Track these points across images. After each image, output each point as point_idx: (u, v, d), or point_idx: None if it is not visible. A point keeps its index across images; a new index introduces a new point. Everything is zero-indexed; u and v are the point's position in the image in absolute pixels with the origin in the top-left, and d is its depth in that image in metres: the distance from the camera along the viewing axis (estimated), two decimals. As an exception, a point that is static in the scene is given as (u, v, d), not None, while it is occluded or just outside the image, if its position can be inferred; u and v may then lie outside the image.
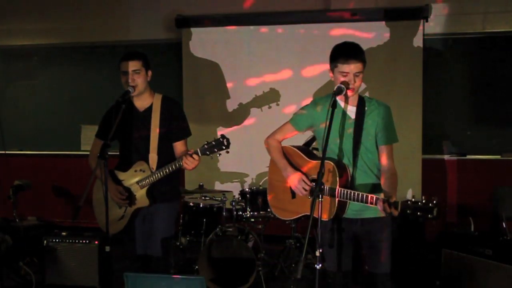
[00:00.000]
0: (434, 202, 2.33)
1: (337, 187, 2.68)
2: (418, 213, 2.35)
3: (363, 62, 2.73)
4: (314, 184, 2.82)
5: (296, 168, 2.91)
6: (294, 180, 2.86)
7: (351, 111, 2.81)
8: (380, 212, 2.64)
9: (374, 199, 2.56)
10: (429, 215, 2.31)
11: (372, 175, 2.82)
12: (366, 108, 2.80)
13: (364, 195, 2.60)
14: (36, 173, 6.11)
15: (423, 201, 2.36)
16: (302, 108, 2.98)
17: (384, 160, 2.80)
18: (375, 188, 2.79)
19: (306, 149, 3.09)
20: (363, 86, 5.19)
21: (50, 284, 4.18)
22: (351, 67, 2.69)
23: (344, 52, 2.74)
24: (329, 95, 2.82)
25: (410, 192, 5.26)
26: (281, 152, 3.00)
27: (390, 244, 2.83)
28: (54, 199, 6.27)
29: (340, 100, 2.81)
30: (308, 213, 2.73)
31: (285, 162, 2.94)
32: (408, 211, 2.39)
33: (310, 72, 5.51)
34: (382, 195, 2.59)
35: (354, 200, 2.65)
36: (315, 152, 3.19)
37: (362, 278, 3.07)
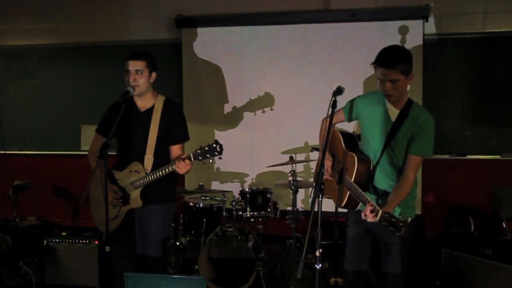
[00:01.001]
0: (406, 222, 2.34)
1: (350, 178, 2.73)
2: (390, 228, 2.37)
3: (399, 70, 2.66)
4: (334, 172, 2.96)
5: (332, 153, 3.02)
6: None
7: (393, 113, 2.81)
8: (395, 210, 2.67)
9: (367, 200, 2.58)
10: (396, 233, 2.33)
11: (391, 181, 2.81)
12: (408, 114, 2.78)
13: (360, 192, 2.65)
14: (36, 173, 6.11)
15: (398, 218, 2.37)
16: (356, 97, 3.00)
17: (405, 169, 2.75)
18: (384, 194, 2.80)
19: (351, 136, 3.10)
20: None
21: (50, 284, 4.18)
22: (383, 74, 2.69)
23: (379, 57, 2.74)
24: (378, 92, 2.86)
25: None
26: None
27: (405, 245, 2.83)
28: (54, 199, 6.27)
29: (387, 100, 2.83)
30: (329, 197, 2.95)
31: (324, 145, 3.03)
32: (383, 223, 2.42)
33: (310, 72, 5.50)
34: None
35: (354, 195, 2.69)
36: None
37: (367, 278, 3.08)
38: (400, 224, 2.33)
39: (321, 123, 3.18)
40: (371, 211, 2.49)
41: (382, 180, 2.81)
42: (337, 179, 2.90)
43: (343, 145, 2.97)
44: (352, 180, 2.74)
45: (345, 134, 3.08)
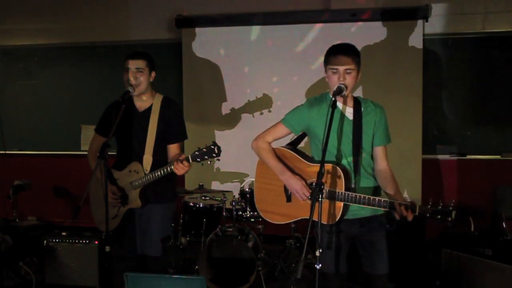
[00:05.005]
0: (452, 205, 2.35)
1: (342, 190, 2.66)
2: (438, 216, 2.36)
3: (354, 60, 2.68)
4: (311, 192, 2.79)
5: (295, 172, 2.83)
6: (295, 185, 2.77)
7: (349, 112, 2.79)
8: (375, 210, 2.66)
9: (388, 203, 2.53)
10: (449, 218, 2.34)
11: (370, 178, 2.80)
12: (362, 109, 2.77)
13: (377, 199, 2.57)
14: (36, 173, 6.11)
15: (442, 205, 2.37)
16: (296, 108, 2.90)
17: (381, 162, 2.77)
18: (375, 190, 2.79)
19: (303, 152, 3.01)
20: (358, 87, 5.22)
21: (50, 284, 4.18)
22: (340, 63, 2.67)
23: (334, 48, 2.73)
24: (323, 95, 2.84)
25: (405, 193, 5.27)
26: (274, 154, 2.89)
27: (387, 244, 2.81)
28: (54, 199, 6.27)
29: (338, 101, 2.78)
30: (307, 216, 2.69)
31: (282, 166, 2.83)
32: (427, 215, 2.39)
33: (310, 72, 5.50)
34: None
35: (362, 204, 2.60)
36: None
37: (359, 279, 3.06)
38: (450, 208, 2.34)
39: (255, 144, 2.93)
40: (406, 209, 2.46)
41: (365, 181, 2.78)
42: (328, 195, 2.67)
43: (305, 161, 2.84)
44: (343, 190, 2.64)
45: (295, 150, 2.94)
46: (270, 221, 3.04)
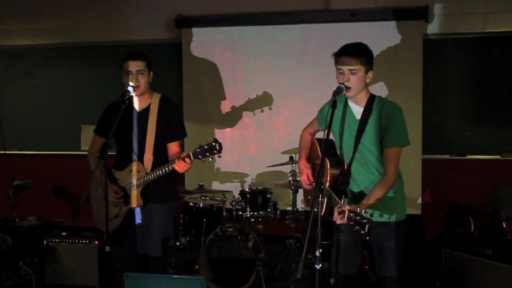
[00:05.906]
0: (369, 219, 2.29)
1: (327, 182, 2.71)
2: (356, 227, 2.32)
3: (359, 60, 2.67)
4: (312, 180, 2.95)
5: (312, 161, 3.03)
6: (301, 171, 3.03)
7: (358, 111, 2.79)
8: (384, 217, 2.69)
9: (337, 202, 2.56)
10: (362, 231, 2.28)
11: (372, 176, 2.77)
12: (372, 109, 2.76)
13: (332, 196, 2.61)
14: (36, 173, 6.11)
15: (362, 216, 2.32)
16: (325, 103, 3.00)
17: (384, 164, 2.73)
18: (363, 195, 2.77)
19: (327, 143, 3.07)
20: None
21: (50, 284, 4.18)
22: (344, 63, 2.67)
23: (340, 49, 2.74)
24: (341, 95, 2.84)
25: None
26: (306, 143, 3.13)
27: (398, 248, 2.79)
28: (54, 199, 6.27)
29: (348, 100, 2.81)
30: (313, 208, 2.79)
31: (303, 154, 3.11)
32: (350, 223, 2.38)
33: (310, 72, 5.50)
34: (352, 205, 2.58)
35: (329, 200, 2.66)
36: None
37: (364, 279, 3.07)
38: (364, 221, 2.27)
39: (302, 131, 3.20)
40: (339, 213, 2.46)
41: (361, 178, 2.79)
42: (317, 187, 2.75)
43: (319, 152, 2.96)
44: (327, 184, 2.68)
45: (321, 141, 3.00)
46: (306, 205, 3.29)
